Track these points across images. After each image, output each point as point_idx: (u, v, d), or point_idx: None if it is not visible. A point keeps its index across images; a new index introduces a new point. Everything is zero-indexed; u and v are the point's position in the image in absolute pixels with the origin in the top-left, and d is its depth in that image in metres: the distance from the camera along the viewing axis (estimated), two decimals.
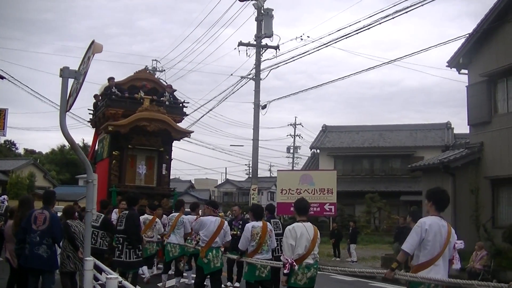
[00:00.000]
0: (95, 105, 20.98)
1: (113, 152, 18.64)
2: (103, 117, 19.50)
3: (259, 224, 9.86)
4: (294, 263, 7.61)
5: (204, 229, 10.44)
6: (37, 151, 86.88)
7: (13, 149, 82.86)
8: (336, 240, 25.70)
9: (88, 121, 22.22)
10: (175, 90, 20.92)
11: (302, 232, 7.74)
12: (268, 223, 10.30)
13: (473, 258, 16.71)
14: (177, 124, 19.59)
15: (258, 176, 32.95)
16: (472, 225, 18.60)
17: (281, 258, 7.93)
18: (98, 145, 21.22)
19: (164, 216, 15.73)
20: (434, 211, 6.77)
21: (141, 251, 11.16)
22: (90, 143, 67.50)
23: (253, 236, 9.67)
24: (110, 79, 19.38)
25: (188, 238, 13.62)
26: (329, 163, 42.96)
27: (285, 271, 7.68)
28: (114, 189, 17.62)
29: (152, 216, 14.39)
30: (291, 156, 67.13)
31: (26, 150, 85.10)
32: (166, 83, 22.54)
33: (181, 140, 20.43)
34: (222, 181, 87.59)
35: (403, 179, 40.56)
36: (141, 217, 13.68)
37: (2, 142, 71.85)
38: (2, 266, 11.46)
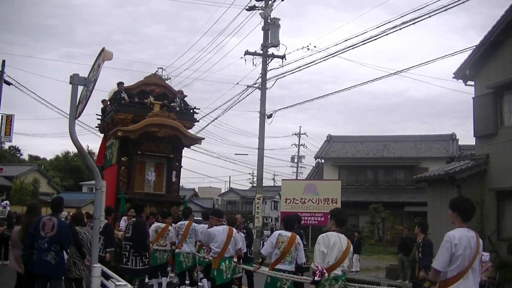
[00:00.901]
0: (103, 110, 20.71)
1: (122, 158, 18.33)
2: (111, 122, 19.19)
3: (287, 234, 9.62)
4: (325, 271, 7.36)
5: (213, 241, 10.22)
6: (41, 157, 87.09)
7: (18, 155, 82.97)
8: None
9: (96, 127, 21.94)
10: (186, 96, 20.51)
11: (335, 242, 7.50)
12: (297, 236, 9.87)
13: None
14: (188, 130, 19.25)
15: (262, 185, 32.93)
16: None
17: (311, 265, 7.61)
18: (106, 151, 20.84)
19: (174, 224, 15.03)
20: (461, 222, 6.52)
21: (147, 258, 11.13)
22: (95, 150, 67.51)
23: (278, 243, 9.43)
24: (120, 84, 19.03)
25: (203, 248, 12.74)
26: (334, 173, 42.90)
27: (316, 278, 7.38)
28: (122, 196, 17.32)
29: (165, 224, 14.00)
30: (295, 165, 67.12)
31: (30, 156, 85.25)
32: None
33: (191, 147, 20.08)
34: (226, 190, 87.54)
35: (407, 190, 40.50)
36: (153, 225, 13.72)
37: (7, 148, 71.98)
38: (8, 272, 11.45)
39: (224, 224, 10.61)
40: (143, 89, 19.43)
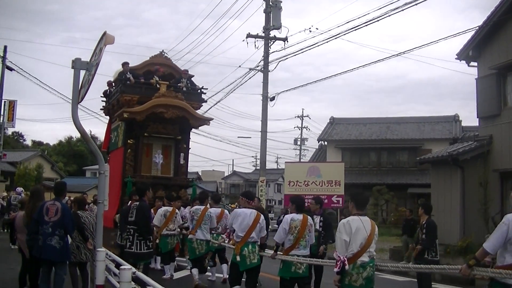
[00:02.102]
0: (107, 92, 20.24)
1: (128, 141, 17.87)
2: (117, 104, 18.71)
3: (299, 217, 9.17)
4: (346, 262, 6.83)
5: (237, 223, 9.62)
6: (44, 142, 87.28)
7: (21, 140, 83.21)
8: None
9: (101, 109, 21.42)
10: (193, 76, 19.89)
11: (358, 227, 6.99)
12: (308, 217, 9.47)
13: None
14: (195, 111, 18.60)
15: (266, 168, 32.98)
16: (480, 218, 18.55)
17: (333, 255, 7.13)
18: (112, 134, 20.37)
19: (182, 208, 15.15)
20: None
21: (151, 242, 11.14)
22: (98, 134, 67.45)
23: (291, 229, 9.04)
24: (125, 64, 18.46)
25: (212, 232, 12.60)
26: (337, 155, 42.86)
27: (336, 269, 6.92)
28: (129, 179, 16.82)
29: (172, 208, 13.82)
30: (298, 148, 67.09)
31: (33, 141, 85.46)
32: None
33: (198, 128, 19.51)
34: (229, 173, 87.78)
35: (411, 171, 40.49)
36: (161, 210, 13.61)
37: (10, 133, 72.12)
38: (14, 257, 11.51)
39: (252, 208, 10.00)
40: (148, 69, 18.90)
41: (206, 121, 18.86)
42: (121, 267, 6.73)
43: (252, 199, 10.25)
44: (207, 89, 19.81)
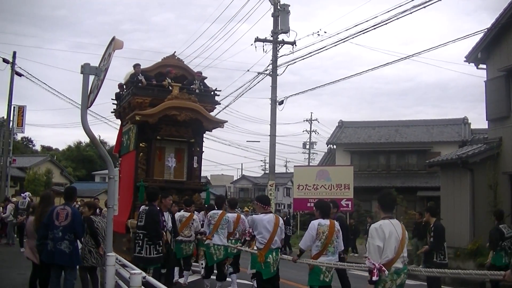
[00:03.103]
0: (118, 95, 19.79)
1: (140, 144, 17.33)
2: (128, 107, 18.28)
3: (326, 222, 8.84)
4: (383, 268, 6.41)
5: (257, 230, 9.49)
6: (54, 147, 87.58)
7: (30, 146, 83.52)
8: (354, 236, 25.67)
9: (112, 112, 20.92)
10: (206, 78, 19.39)
11: (390, 231, 6.59)
12: (336, 222, 9.12)
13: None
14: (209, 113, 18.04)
15: (275, 172, 32.98)
16: (490, 220, 18.46)
17: (367, 263, 6.62)
18: (123, 137, 19.88)
19: (196, 213, 14.82)
20: None
21: (161, 247, 11.12)
22: (107, 139, 67.56)
23: (318, 235, 8.70)
24: (136, 66, 18.07)
25: (230, 238, 12.32)
26: (346, 158, 42.84)
27: (374, 278, 6.42)
28: (141, 183, 16.28)
29: (189, 214, 13.52)
30: (307, 151, 67.09)
31: (43, 146, 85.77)
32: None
33: (212, 131, 18.75)
34: (238, 177, 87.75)
35: (420, 174, 40.43)
36: (177, 214, 13.32)
37: (20, 139, 72.43)
38: (24, 262, 11.54)
39: (270, 212, 9.83)
40: (160, 71, 18.48)
41: (220, 123, 18.25)
42: (131, 271, 6.74)
43: (267, 204, 9.98)
44: (220, 90, 19.35)
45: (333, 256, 8.80)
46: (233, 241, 12.41)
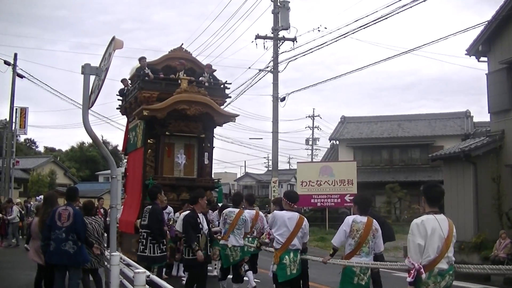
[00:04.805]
0: (123, 91, 19.28)
1: (148, 140, 16.90)
2: (135, 102, 17.64)
3: (363, 219, 7.95)
4: (422, 270, 5.81)
5: (276, 227, 8.65)
6: (57, 148, 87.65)
7: (33, 147, 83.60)
8: None
9: (117, 108, 20.37)
10: (215, 70, 18.58)
11: (434, 228, 5.94)
12: (374, 220, 8.19)
13: (497, 247, 16.67)
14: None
15: (278, 168, 33.00)
16: (494, 213, 18.49)
17: (406, 261, 6.14)
18: (129, 134, 19.21)
19: (210, 212, 14.32)
20: None
21: (165, 245, 11.12)
22: (109, 139, 67.37)
23: (352, 232, 7.86)
24: (142, 59, 17.39)
25: (248, 236, 11.57)
26: (348, 154, 42.86)
27: (409, 279, 5.91)
28: (151, 181, 15.48)
29: None
30: (310, 148, 67.09)
31: (46, 148, 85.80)
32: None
33: (223, 125, 18.12)
34: (242, 175, 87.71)
35: (423, 168, 40.45)
36: (183, 214, 12.27)
37: (22, 140, 72.50)
38: (30, 263, 11.55)
39: (296, 211, 8.96)
40: (168, 64, 17.89)
41: (231, 117, 17.62)
42: (136, 270, 6.75)
43: (294, 201, 8.99)
44: (230, 83, 18.54)
45: (367, 258, 7.92)
46: (250, 239, 11.77)
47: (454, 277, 6.11)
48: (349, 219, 8.02)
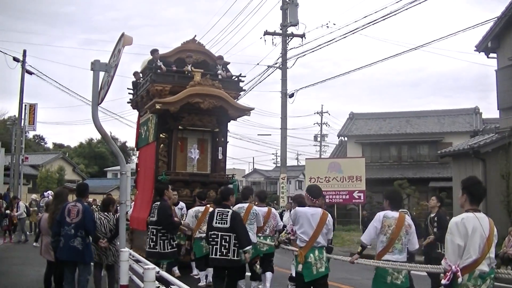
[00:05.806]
0: (134, 84, 18.88)
1: (161, 135, 16.30)
2: (147, 95, 17.10)
3: (395, 215, 7.65)
4: (459, 273, 5.42)
5: (298, 225, 8.21)
6: (65, 145, 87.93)
7: (42, 143, 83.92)
8: (366, 228, 25.58)
9: (128, 102, 19.84)
10: (229, 63, 18.10)
11: (475, 227, 5.51)
12: (406, 215, 7.94)
13: (506, 244, 16.62)
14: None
15: (286, 165, 32.99)
16: (503, 210, 18.46)
17: (442, 263, 5.74)
18: (141, 128, 18.79)
19: None
20: None
21: (175, 241, 11.14)
22: (118, 136, 67.44)
23: (383, 228, 7.57)
24: (154, 52, 16.88)
25: (259, 235, 11.18)
26: (357, 150, 42.75)
27: (444, 281, 5.53)
28: (163, 177, 15.13)
29: (205, 207, 12.44)
30: (318, 144, 67.01)
31: (54, 144, 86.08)
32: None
33: (237, 119, 17.55)
34: (250, 171, 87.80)
35: (432, 165, 40.29)
36: (192, 210, 12.67)
37: (31, 137, 72.77)
38: (40, 259, 11.60)
39: (319, 207, 8.45)
40: (180, 57, 17.28)
41: (245, 111, 17.03)
42: (145, 266, 6.77)
43: (317, 197, 8.51)
44: (245, 76, 18.02)
45: (401, 255, 7.56)
46: (262, 237, 11.39)
47: (494, 280, 5.66)
48: (380, 214, 7.75)
